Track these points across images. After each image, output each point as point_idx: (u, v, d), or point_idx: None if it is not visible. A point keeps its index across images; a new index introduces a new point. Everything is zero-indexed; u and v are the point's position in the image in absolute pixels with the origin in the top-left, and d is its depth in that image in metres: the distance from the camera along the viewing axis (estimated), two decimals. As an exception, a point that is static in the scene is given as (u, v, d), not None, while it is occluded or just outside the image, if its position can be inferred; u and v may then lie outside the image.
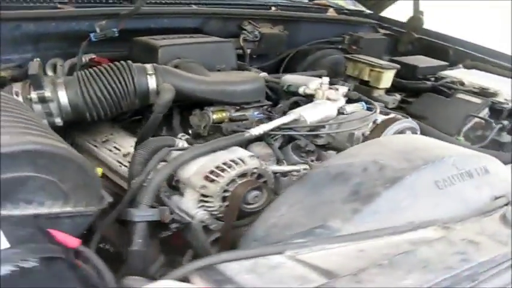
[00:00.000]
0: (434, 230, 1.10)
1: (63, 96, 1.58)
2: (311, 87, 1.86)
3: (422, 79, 2.44)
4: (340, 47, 2.63)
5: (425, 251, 0.97)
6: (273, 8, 2.53)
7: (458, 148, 1.41)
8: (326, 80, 1.81)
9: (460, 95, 2.19)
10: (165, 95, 1.59)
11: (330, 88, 1.81)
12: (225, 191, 1.34)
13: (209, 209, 1.35)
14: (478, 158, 1.32)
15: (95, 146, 1.82)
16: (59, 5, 1.95)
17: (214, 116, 1.76)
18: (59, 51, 2.00)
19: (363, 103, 1.79)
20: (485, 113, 2.12)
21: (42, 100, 1.56)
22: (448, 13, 2.69)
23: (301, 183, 1.25)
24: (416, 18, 2.84)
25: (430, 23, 2.79)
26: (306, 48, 2.55)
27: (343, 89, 1.83)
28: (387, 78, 2.28)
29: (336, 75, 2.42)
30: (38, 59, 1.71)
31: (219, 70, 1.96)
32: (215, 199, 1.34)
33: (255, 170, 1.39)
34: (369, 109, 1.77)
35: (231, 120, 1.76)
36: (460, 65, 2.59)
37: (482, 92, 2.19)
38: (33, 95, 1.55)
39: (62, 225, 1.17)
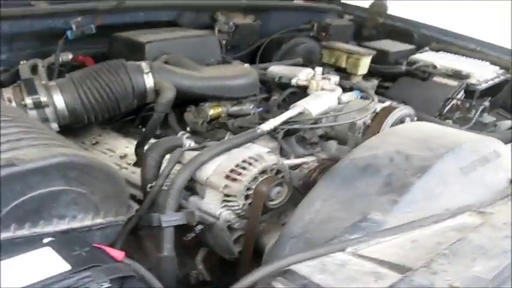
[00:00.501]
0: (470, 216, 1.13)
1: (59, 100, 1.50)
2: (301, 77, 1.86)
3: (393, 64, 2.49)
4: (311, 34, 2.64)
5: (476, 237, 1.00)
6: (244, -3, 2.50)
7: (466, 134, 1.46)
8: (319, 70, 1.82)
9: (436, 79, 2.26)
10: (166, 94, 1.54)
11: (323, 78, 1.82)
12: (248, 189, 1.32)
13: (233, 208, 1.33)
14: (489, 142, 1.37)
15: (85, 149, 1.74)
16: (31, 2, 1.83)
17: (211, 112, 1.73)
18: (33, 50, 1.88)
19: (358, 91, 1.81)
20: (461, 94, 2.21)
21: (38, 105, 1.47)
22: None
23: (330, 177, 1.26)
24: (379, 4, 2.89)
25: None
26: (279, 37, 2.54)
27: (335, 78, 1.85)
28: (364, 64, 2.31)
29: (310, 63, 2.44)
30: (25, 62, 1.61)
31: (208, 64, 1.91)
32: (239, 198, 1.32)
33: (274, 166, 1.38)
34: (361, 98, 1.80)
35: (229, 115, 1.73)
36: (427, 48, 2.67)
37: (456, 75, 2.27)
38: (28, 100, 1.46)
39: (93, 237, 1.12)
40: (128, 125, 1.85)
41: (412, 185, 1.16)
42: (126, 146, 1.73)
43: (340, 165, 1.28)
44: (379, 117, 1.64)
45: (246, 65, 2.04)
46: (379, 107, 1.69)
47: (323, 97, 1.67)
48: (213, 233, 1.35)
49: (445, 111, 2.14)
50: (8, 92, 1.48)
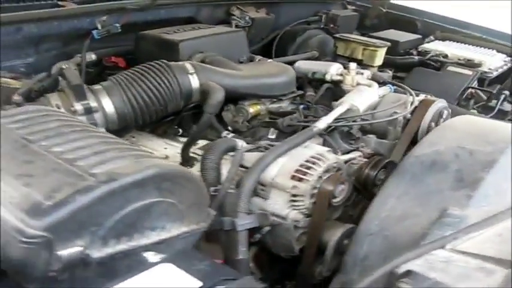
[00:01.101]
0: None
1: (108, 105, 1.48)
2: (332, 72, 1.89)
3: (403, 54, 2.54)
4: (321, 26, 2.66)
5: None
6: (258, -9, 2.50)
7: (506, 125, 1.51)
8: (353, 65, 1.84)
9: (451, 68, 2.32)
10: (216, 95, 1.53)
11: (357, 73, 1.84)
12: (314, 188, 1.34)
13: (299, 207, 1.35)
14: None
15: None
16: (59, 3, 1.79)
17: (251, 110, 1.74)
18: (57, 51, 1.85)
19: (390, 86, 1.85)
20: (475, 83, 2.27)
21: (88, 111, 1.45)
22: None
23: (399, 175, 1.29)
24: (382, -7, 2.93)
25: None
26: (292, 30, 2.55)
27: (367, 73, 1.88)
28: (380, 56, 2.35)
29: (324, 55, 2.46)
30: (66, 65, 1.57)
31: (240, 62, 1.91)
32: (306, 197, 1.33)
33: (335, 164, 1.40)
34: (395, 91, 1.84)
35: (270, 113, 1.74)
36: (432, 37, 2.72)
37: (469, 64, 2.34)
38: (78, 106, 1.44)
39: (175, 246, 1.12)
40: (162, 125, 1.83)
41: (482, 179, 1.21)
42: (165, 147, 1.72)
43: (407, 163, 1.31)
44: (418, 111, 1.68)
45: (269, 61, 2.06)
46: (416, 100, 1.72)
47: (366, 92, 1.70)
48: (275, 233, 1.37)
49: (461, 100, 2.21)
50: (55, 99, 1.45)
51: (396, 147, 1.61)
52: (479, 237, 1.06)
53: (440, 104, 1.72)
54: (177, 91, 1.56)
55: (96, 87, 1.51)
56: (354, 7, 2.99)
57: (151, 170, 1.02)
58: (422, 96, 1.76)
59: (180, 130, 1.78)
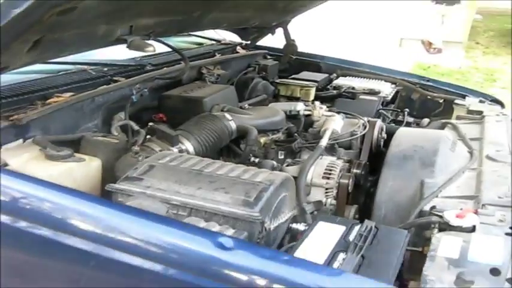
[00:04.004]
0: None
1: (190, 147, 2.13)
2: (301, 109, 2.72)
3: (320, 89, 3.45)
4: (257, 74, 3.47)
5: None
6: (217, 54, 3.26)
7: (434, 131, 2.47)
8: (317, 103, 2.69)
9: (362, 96, 3.28)
10: (253, 132, 2.27)
11: (320, 108, 2.70)
12: (337, 182, 2.15)
13: (330, 196, 2.14)
14: (446, 133, 2.41)
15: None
16: (114, 78, 2.38)
17: (261, 140, 2.48)
18: (110, 112, 2.40)
19: (342, 114, 2.72)
20: (380, 105, 3.26)
21: (180, 152, 2.08)
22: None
23: (389, 166, 2.14)
24: (290, 44, 3.83)
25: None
26: (241, 79, 3.32)
27: (324, 107, 2.74)
28: (313, 93, 3.24)
29: (269, 96, 3.28)
30: (152, 124, 2.18)
31: (241, 108, 2.65)
32: (334, 189, 2.13)
33: (342, 167, 2.22)
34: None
35: (276, 141, 2.50)
36: (334, 74, 3.69)
37: (372, 92, 3.32)
38: (175, 149, 2.06)
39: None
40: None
41: (435, 161, 2.12)
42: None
43: (390, 158, 2.18)
44: (370, 129, 2.58)
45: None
46: (365, 122, 2.62)
47: (337, 120, 2.55)
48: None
49: (375, 118, 3.17)
50: (155, 146, 2.06)
51: (362, 154, 2.49)
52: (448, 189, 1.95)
53: (379, 122, 2.64)
54: (226, 133, 2.26)
55: (174, 133, 2.14)
56: (271, 57, 3.86)
57: (283, 176, 1.75)
58: (365, 119, 2.66)
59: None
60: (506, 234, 1.55)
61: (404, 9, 11.18)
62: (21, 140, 1.88)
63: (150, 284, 1.27)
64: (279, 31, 3.75)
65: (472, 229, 1.59)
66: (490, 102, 3.16)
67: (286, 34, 3.81)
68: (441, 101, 3.36)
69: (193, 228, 1.41)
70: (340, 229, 1.59)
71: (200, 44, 3.58)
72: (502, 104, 3.16)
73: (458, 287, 1.31)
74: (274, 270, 1.22)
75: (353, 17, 10.49)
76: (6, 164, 1.66)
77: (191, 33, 3.46)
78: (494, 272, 1.36)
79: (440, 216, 1.64)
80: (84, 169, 1.82)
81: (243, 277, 1.20)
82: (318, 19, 9.58)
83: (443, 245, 1.49)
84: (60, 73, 2.35)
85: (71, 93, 2.15)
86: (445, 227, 1.62)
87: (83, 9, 1.65)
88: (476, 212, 1.67)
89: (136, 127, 2.17)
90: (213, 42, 3.68)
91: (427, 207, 1.79)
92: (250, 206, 1.55)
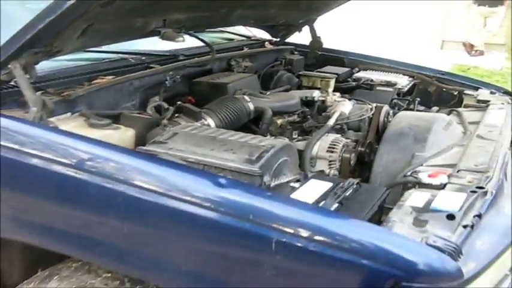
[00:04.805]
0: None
1: (212, 123, 2.47)
2: (317, 95, 3.02)
3: (343, 81, 3.73)
4: (283, 68, 3.78)
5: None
6: (245, 48, 3.61)
7: (427, 113, 2.73)
8: (331, 90, 2.99)
9: (379, 87, 3.54)
10: (268, 112, 2.60)
11: (334, 95, 3.00)
12: (339, 156, 2.44)
13: (333, 167, 2.43)
14: (442, 116, 2.66)
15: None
16: (150, 65, 2.76)
17: (278, 121, 2.80)
18: (147, 95, 2.77)
19: (354, 100, 3.01)
20: (395, 95, 3.52)
21: (204, 126, 2.43)
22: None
23: (385, 142, 2.43)
24: (316, 41, 4.13)
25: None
26: (268, 71, 3.65)
27: (337, 94, 3.04)
28: (332, 84, 3.53)
29: (292, 87, 3.59)
30: (180, 102, 2.54)
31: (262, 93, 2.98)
32: (337, 161, 2.43)
33: (345, 143, 2.51)
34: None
35: (291, 123, 2.81)
36: (356, 68, 3.96)
37: (388, 84, 3.58)
38: (198, 124, 2.41)
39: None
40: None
41: (427, 137, 2.38)
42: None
43: (387, 135, 2.45)
44: (376, 113, 2.85)
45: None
46: (372, 107, 2.90)
47: (346, 104, 2.84)
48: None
49: (389, 107, 3.43)
50: (181, 120, 2.41)
51: (369, 134, 2.77)
52: (435, 161, 2.21)
53: (386, 107, 2.91)
54: (244, 112, 2.59)
55: (197, 110, 2.49)
56: (297, 53, 4.17)
57: (284, 142, 2.06)
58: (374, 105, 2.94)
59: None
60: (471, 191, 1.81)
61: (447, 12, 11.25)
62: (69, 113, 2.26)
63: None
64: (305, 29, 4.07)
65: (442, 187, 1.86)
66: (501, 94, 3.36)
67: (312, 31, 4.11)
68: (455, 93, 3.58)
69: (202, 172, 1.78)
70: (328, 185, 1.89)
71: (231, 39, 3.92)
72: (512, 95, 3.36)
73: (415, 226, 1.58)
74: (258, 203, 1.54)
75: (398, 19, 10.63)
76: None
77: (223, 29, 3.80)
78: (450, 217, 1.63)
79: (416, 178, 1.92)
80: (120, 136, 2.18)
81: (233, 208, 1.52)
82: (364, 19, 9.85)
83: (412, 197, 1.77)
84: (105, 60, 2.72)
85: (113, 76, 2.53)
86: (419, 186, 1.89)
87: (121, 2, 2.02)
88: (448, 175, 1.93)
89: (167, 106, 2.53)
90: (244, 38, 4.02)
91: (410, 173, 2.07)
92: (252, 163, 1.86)
